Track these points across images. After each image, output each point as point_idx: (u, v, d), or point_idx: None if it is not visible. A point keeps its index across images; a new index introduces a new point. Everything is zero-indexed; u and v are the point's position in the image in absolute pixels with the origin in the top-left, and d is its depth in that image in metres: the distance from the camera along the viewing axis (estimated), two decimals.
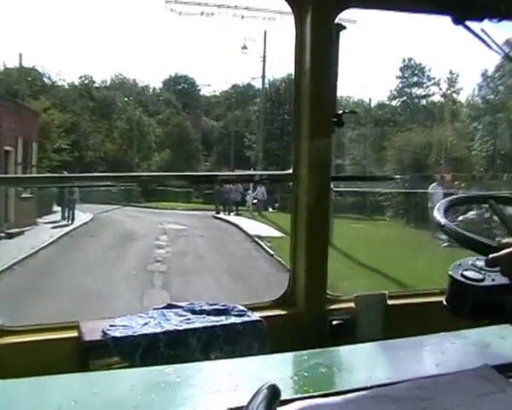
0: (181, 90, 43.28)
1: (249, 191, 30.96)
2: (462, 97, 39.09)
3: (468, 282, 2.33)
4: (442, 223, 2.23)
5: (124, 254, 17.90)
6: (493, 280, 2.36)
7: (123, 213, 29.18)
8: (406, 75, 40.94)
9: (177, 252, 18.58)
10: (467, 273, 2.35)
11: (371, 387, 1.25)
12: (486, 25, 3.56)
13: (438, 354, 1.52)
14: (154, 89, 42.91)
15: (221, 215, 29.48)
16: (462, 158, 28.23)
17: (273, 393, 1.03)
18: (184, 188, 32.14)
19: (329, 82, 3.31)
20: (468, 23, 3.52)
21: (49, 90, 36.16)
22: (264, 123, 35.54)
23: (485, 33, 3.59)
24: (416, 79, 40.79)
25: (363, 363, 1.49)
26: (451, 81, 38.95)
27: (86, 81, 39.29)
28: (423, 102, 40.60)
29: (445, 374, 1.34)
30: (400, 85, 40.83)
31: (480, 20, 3.47)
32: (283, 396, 1.18)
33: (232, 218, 28.23)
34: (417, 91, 40.74)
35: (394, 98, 41.28)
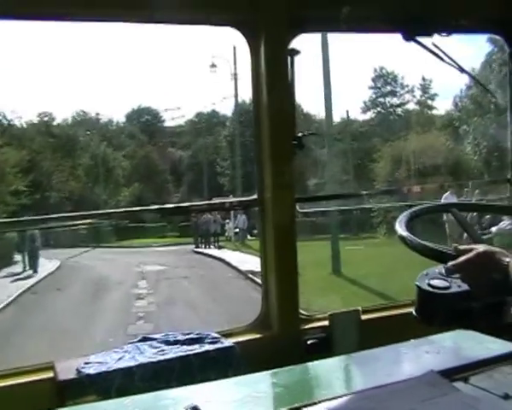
0: (145, 122, 41.91)
1: (227, 221, 29.60)
2: (437, 103, 38.29)
3: (434, 291, 2.38)
4: (403, 235, 2.28)
5: (97, 311, 14.49)
6: (459, 286, 2.41)
7: (94, 257, 26.26)
8: (379, 85, 39.88)
9: (161, 302, 15.48)
10: (433, 282, 2.40)
11: (320, 401, 1.29)
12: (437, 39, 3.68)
13: (391, 364, 1.56)
14: (118, 123, 40.75)
15: (202, 249, 27.46)
16: (459, 162, 27.46)
17: None
18: (157, 222, 30.49)
19: (287, 106, 3.37)
20: (419, 38, 3.63)
21: (3, 129, 32.79)
22: (239, 146, 33.92)
23: (437, 47, 3.69)
24: (389, 88, 39.52)
25: (318, 379, 1.53)
26: (425, 87, 38.71)
27: (45, 118, 36.52)
28: (398, 110, 39.32)
29: (394, 383, 1.38)
30: (374, 96, 39.74)
31: (430, 34, 3.57)
32: None
33: (215, 251, 26.27)
34: (392, 101, 39.55)
35: (368, 110, 39.97)
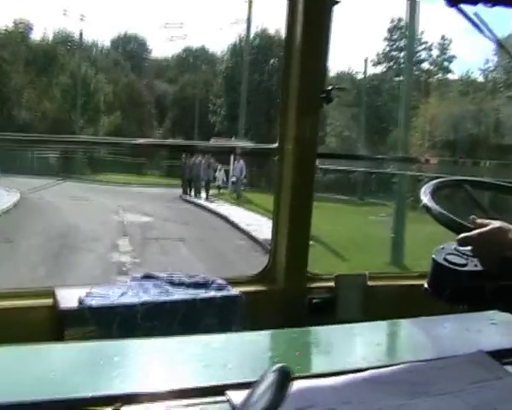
0: (130, 51, 38.01)
1: (219, 167, 26.42)
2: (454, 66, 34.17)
3: (450, 266, 2.32)
4: (428, 205, 2.22)
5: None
6: (476, 266, 2.35)
7: (63, 192, 21.71)
8: (395, 37, 34.88)
9: None
10: (449, 258, 2.34)
11: (366, 369, 1.21)
12: (480, 9, 3.54)
13: (429, 338, 1.50)
14: (103, 47, 36.57)
15: (192, 198, 24.70)
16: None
17: (284, 376, 0.95)
18: (136, 158, 27.67)
19: (320, 57, 3.24)
20: (462, 6, 3.49)
21: None
22: (236, 84, 31.08)
23: (479, 17, 3.56)
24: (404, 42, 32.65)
25: (355, 344, 1.46)
26: (443, 48, 34.63)
27: (21, 27, 31.93)
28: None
29: (438, 359, 1.30)
30: (388, 49, 34.96)
31: (474, 3, 3.43)
32: None
33: (211, 205, 22.49)
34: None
35: (379, 63, 34.99)
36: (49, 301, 2.84)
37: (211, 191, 25.18)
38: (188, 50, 37.98)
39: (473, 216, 1.97)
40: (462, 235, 1.89)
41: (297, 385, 1.06)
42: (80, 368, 1.24)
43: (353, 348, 1.44)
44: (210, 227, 17.17)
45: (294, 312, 3.16)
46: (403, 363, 1.26)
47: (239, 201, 23.30)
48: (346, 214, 18.85)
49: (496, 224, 1.83)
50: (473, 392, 1.15)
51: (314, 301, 3.34)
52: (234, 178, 25.30)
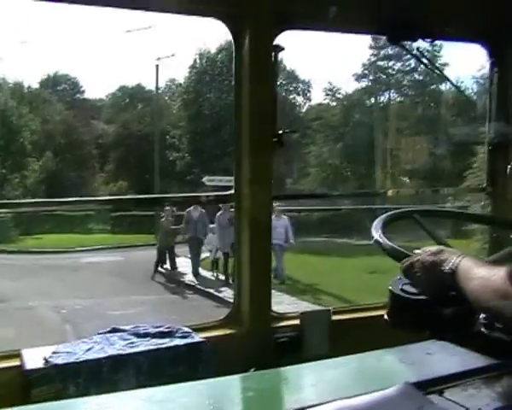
0: (62, 91, 33.46)
1: (210, 226, 17.04)
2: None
3: (407, 296, 2.39)
4: (379, 240, 2.29)
5: None
6: None
7: None
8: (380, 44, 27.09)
9: None
10: (406, 288, 2.42)
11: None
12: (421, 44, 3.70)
13: (365, 372, 1.56)
14: (30, 87, 30.32)
15: (175, 273, 17.55)
16: None
17: None
18: (80, 211, 21.42)
19: (269, 102, 3.35)
20: (404, 42, 3.65)
21: None
22: (194, 111, 27.98)
23: (420, 52, 3.72)
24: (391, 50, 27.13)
25: (292, 385, 1.52)
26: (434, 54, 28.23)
27: None
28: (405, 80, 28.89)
29: (367, 393, 1.37)
30: (372, 59, 28.80)
31: (414, 39, 3.59)
32: None
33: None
34: (396, 66, 28.69)
35: (363, 77, 29.09)
36: (15, 362, 2.87)
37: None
38: (123, 89, 34.07)
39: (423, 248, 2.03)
40: (404, 260, 1.96)
41: None
42: None
43: (288, 390, 1.50)
44: None
45: (261, 353, 3.20)
46: (332, 401, 1.33)
47: (287, 288, 14.74)
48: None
49: (432, 248, 1.89)
50: None
51: (280, 340, 3.39)
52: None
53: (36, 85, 31.27)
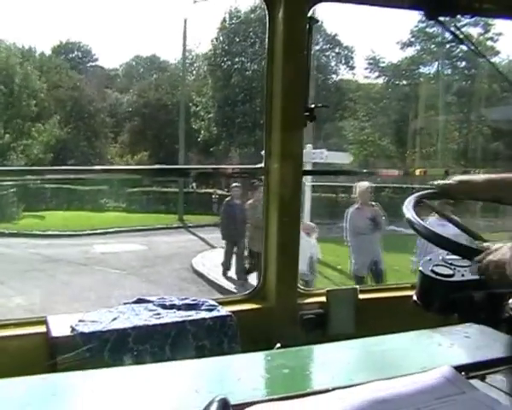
0: (74, 58, 30.32)
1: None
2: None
3: (437, 277, 2.35)
4: (411, 219, 2.24)
5: None
6: (463, 276, 2.38)
7: None
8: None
9: None
10: (437, 269, 2.37)
11: (332, 389, 1.25)
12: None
13: (402, 354, 1.52)
14: (43, 53, 27.39)
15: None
16: None
17: (223, 407, 1.01)
18: (93, 185, 18.78)
19: (302, 76, 3.29)
20: (442, 18, 3.55)
21: None
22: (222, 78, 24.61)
23: (458, 29, 3.61)
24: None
25: (327, 363, 1.49)
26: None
27: None
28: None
29: (407, 375, 1.33)
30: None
31: (453, 15, 3.49)
32: (242, 399, 1.17)
33: None
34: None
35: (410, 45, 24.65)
36: (42, 329, 2.88)
37: None
38: (137, 59, 33.56)
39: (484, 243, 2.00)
40: (479, 258, 1.92)
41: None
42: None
43: (324, 367, 1.47)
44: None
45: (286, 328, 3.18)
46: (371, 381, 1.29)
47: None
48: None
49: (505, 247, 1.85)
50: (435, 407, 1.18)
51: (306, 316, 3.37)
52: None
53: (48, 52, 28.40)
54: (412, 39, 25.31)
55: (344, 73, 27.70)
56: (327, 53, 27.04)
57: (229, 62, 25.88)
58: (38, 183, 16.81)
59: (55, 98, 24.58)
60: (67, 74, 26.80)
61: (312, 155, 11.99)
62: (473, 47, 3.64)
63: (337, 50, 27.17)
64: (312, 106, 3.32)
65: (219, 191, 19.59)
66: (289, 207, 3.32)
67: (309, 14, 3.27)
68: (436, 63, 25.99)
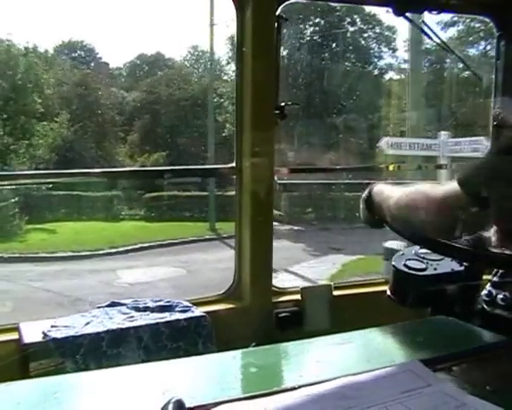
0: (76, 57, 28.36)
1: None
2: None
3: (410, 272, 2.36)
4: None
5: None
6: (435, 269, 2.40)
7: None
8: None
9: None
10: (409, 263, 2.39)
11: (299, 387, 1.24)
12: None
13: (371, 349, 1.52)
14: (47, 52, 25.82)
15: None
16: None
17: (179, 408, 1.01)
18: (107, 190, 16.38)
19: (271, 74, 3.29)
20: (409, 15, 3.57)
21: None
22: None
23: (426, 25, 3.64)
24: None
25: (296, 361, 1.49)
26: None
27: None
28: None
29: (374, 370, 1.33)
30: None
31: (420, 11, 3.51)
32: (208, 400, 1.17)
33: None
34: None
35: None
36: (14, 336, 2.85)
37: None
38: (141, 57, 32.09)
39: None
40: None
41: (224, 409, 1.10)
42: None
43: (293, 366, 1.47)
44: None
45: (261, 328, 3.19)
46: (338, 377, 1.29)
47: None
48: None
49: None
50: (400, 401, 1.19)
51: (281, 315, 3.37)
52: None
53: (51, 51, 27.31)
54: (455, 18, 23.46)
55: (386, 57, 24.88)
56: (366, 33, 24.51)
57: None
58: (43, 189, 14.26)
59: (61, 95, 22.30)
60: (72, 71, 23.81)
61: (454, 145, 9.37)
62: (441, 42, 3.66)
63: (378, 30, 24.56)
64: (283, 104, 3.32)
65: None
66: (262, 206, 3.32)
67: (277, 13, 3.27)
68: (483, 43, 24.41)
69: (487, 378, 1.33)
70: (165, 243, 14.62)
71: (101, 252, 13.55)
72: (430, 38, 3.61)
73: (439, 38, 3.60)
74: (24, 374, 2.60)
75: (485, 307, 2.26)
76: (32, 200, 15.00)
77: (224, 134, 19.72)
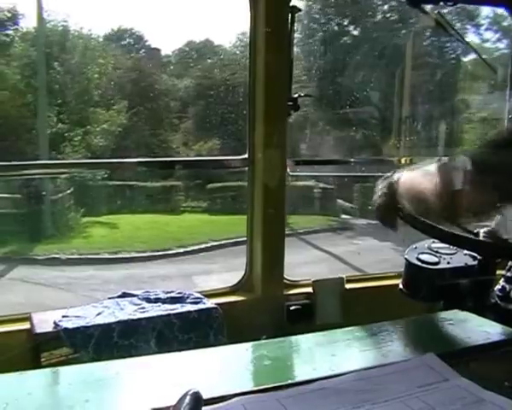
0: (126, 45, 30.98)
1: None
2: None
3: (423, 265, 2.34)
4: None
5: None
6: (448, 263, 2.38)
7: None
8: None
9: None
10: (422, 257, 2.37)
11: (314, 380, 1.23)
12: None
13: (387, 342, 1.50)
14: (98, 37, 27.82)
15: None
16: None
17: (196, 400, 1.00)
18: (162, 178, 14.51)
19: (284, 65, 3.27)
20: (424, 6, 3.53)
21: None
22: None
23: (442, 16, 3.60)
24: None
25: (310, 354, 1.47)
26: None
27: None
28: None
29: (390, 364, 1.32)
30: None
31: (436, 2, 3.47)
32: (220, 393, 1.15)
33: None
34: None
35: None
36: (25, 325, 2.85)
37: None
38: (190, 44, 31.72)
39: None
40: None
41: (239, 401, 1.08)
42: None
43: (306, 358, 1.45)
44: None
45: (273, 320, 3.18)
46: (353, 372, 1.27)
47: None
48: None
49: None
50: (417, 396, 1.17)
51: (292, 307, 3.36)
52: None
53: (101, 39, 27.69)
54: None
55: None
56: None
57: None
58: (99, 179, 13.20)
59: (116, 82, 21.00)
60: (124, 56, 24.07)
61: None
62: (457, 34, 3.62)
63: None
64: (296, 95, 3.30)
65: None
66: (274, 197, 3.31)
67: (291, 4, 3.25)
68: None
69: (505, 374, 1.30)
70: (239, 240, 11.72)
71: (169, 252, 11.97)
72: (446, 30, 3.56)
73: (454, 29, 3.56)
74: (35, 364, 2.60)
75: (499, 301, 2.24)
76: (86, 190, 13.57)
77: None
